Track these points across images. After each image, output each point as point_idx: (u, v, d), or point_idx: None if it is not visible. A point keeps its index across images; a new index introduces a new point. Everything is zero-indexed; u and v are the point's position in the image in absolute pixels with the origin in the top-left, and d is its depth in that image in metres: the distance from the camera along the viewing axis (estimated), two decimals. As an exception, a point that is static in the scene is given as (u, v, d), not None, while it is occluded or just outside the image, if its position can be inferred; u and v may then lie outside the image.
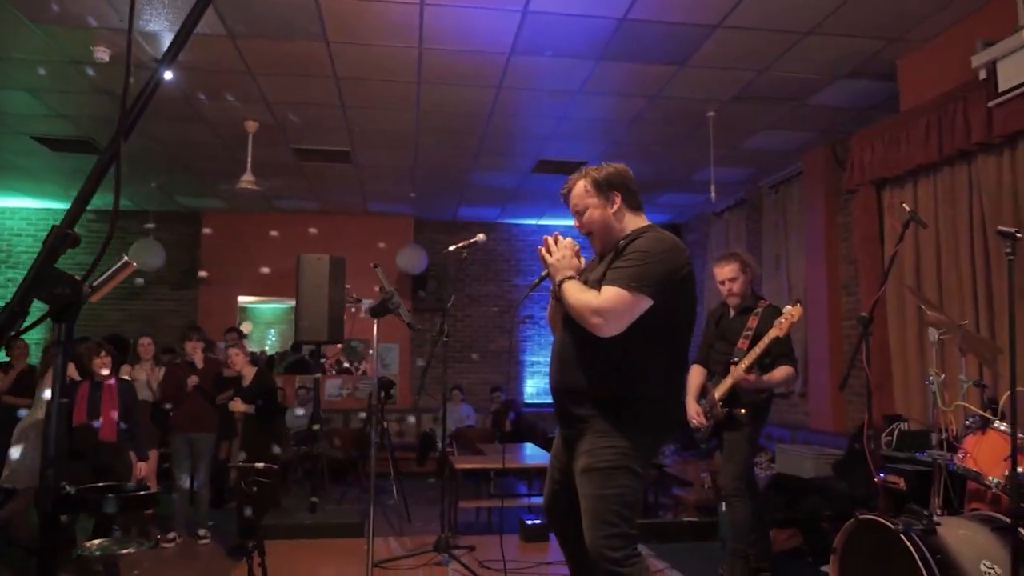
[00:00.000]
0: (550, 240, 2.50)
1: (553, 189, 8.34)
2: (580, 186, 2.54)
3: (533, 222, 10.32)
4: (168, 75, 5.06)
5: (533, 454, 6.29)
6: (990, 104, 3.91)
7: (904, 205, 3.45)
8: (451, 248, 4.07)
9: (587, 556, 2.57)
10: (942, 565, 2.44)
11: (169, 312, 9.54)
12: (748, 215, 8.51)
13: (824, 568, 4.21)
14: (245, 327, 9.45)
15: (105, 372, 4.50)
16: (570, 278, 2.37)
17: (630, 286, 2.20)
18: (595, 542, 2.20)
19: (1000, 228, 2.38)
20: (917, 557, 2.45)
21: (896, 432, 4.15)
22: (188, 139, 6.69)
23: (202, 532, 5.74)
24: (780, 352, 3.75)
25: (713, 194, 6.34)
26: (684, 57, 5.03)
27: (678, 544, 4.58)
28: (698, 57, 5.02)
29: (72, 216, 0.91)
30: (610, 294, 2.21)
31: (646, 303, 2.21)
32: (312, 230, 9.47)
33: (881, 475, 4.02)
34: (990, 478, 2.71)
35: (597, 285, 2.29)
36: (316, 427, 4.49)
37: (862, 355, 3.25)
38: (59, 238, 0.87)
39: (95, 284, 0.92)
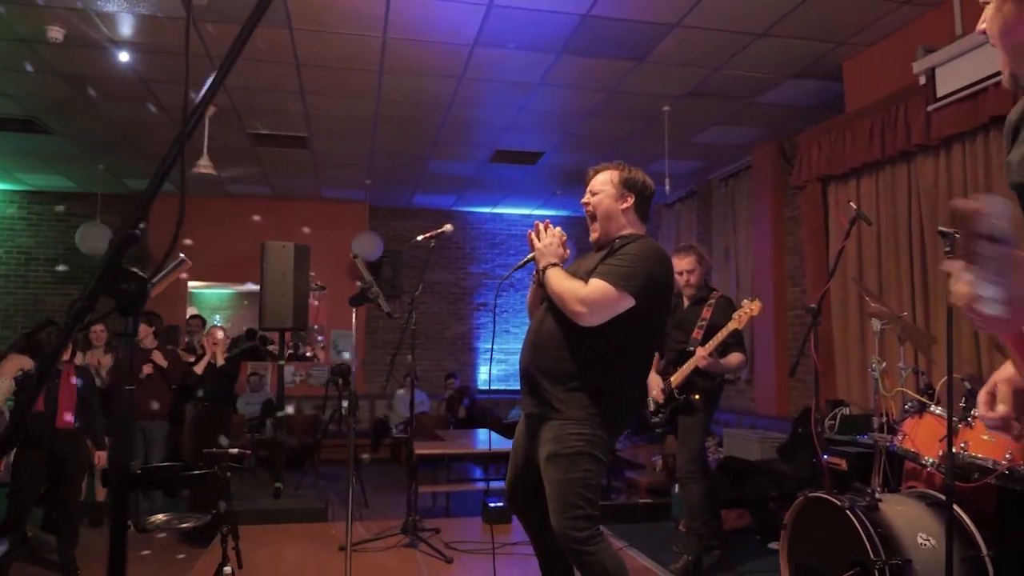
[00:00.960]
0: (540, 226, 2.60)
1: (510, 178, 8.51)
2: (608, 175, 2.68)
3: (488, 210, 10.40)
4: (125, 56, 4.99)
5: (490, 439, 6.41)
6: (929, 108, 4.16)
7: (851, 203, 3.65)
8: (419, 238, 4.13)
9: (550, 536, 2.69)
10: (883, 538, 2.65)
11: (115, 297, 9.31)
12: (699, 207, 8.76)
13: (772, 545, 4.46)
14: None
15: (64, 358, 4.42)
16: (554, 265, 2.48)
17: (617, 284, 2.32)
18: (561, 524, 2.31)
19: (940, 228, 2.58)
20: (861, 531, 2.65)
21: (839, 416, 4.40)
22: (141, 121, 6.55)
23: (154, 520, 5.71)
24: (733, 341, 3.94)
25: (667, 187, 6.53)
26: (643, 54, 5.17)
27: (633, 524, 4.76)
28: (656, 54, 5.16)
29: (135, 217, 0.97)
30: (597, 287, 2.33)
31: (628, 302, 2.33)
32: (256, 217, 9.37)
33: (825, 456, 4.27)
34: (926, 458, 2.94)
35: (586, 276, 2.40)
36: (281, 413, 4.51)
37: (811, 344, 3.45)
38: (126, 237, 0.93)
39: (154, 281, 0.98)
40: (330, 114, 6.38)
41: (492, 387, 10.25)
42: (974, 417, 2.69)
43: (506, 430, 8.28)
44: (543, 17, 4.64)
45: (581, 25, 4.73)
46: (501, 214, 10.50)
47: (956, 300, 0.88)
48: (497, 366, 10.35)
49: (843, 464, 4.08)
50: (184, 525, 2.86)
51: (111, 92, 5.82)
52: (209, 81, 0.98)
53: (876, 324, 3.36)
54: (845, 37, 4.88)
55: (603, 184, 2.65)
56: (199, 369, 5.33)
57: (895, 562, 2.59)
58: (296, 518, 4.07)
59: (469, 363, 10.26)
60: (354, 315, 4.15)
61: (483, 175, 8.41)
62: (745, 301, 3.89)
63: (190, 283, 9.55)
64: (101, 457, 4.83)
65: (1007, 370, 1.31)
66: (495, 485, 6.36)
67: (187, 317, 7.80)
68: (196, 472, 2.72)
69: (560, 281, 2.41)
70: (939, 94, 4.09)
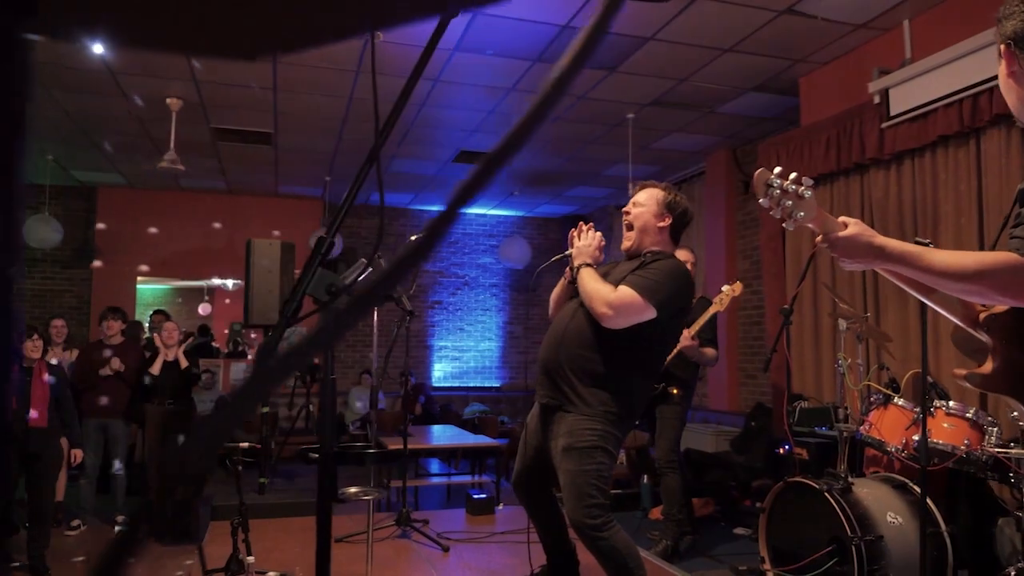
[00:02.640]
0: (583, 226, 2.77)
1: (471, 179, 8.63)
2: (655, 192, 2.86)
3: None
4: (99, 49, 4.92)
5: (455, 434, 6.55)
6: (883, 126, 4.51)
7: (822, 213, 3.95)
8: (413, 238, 4.24)
9: (554, 521, 2.89)
10: (858, 517, 2.93)
11: (59, 292, 9.03)
12: (651, 210, 9.08)
13: (737, 530, 4.75)
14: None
15: (35, 356, 4.35)
16: (588, 265, 2.65)
17: (644, 294, 2.50)
18: (576, 512, 2.49)
19: (917, 239, 2.87)
20: (839, 511, 2.92)
21: (798, 409, 4.72)
22: (99, 113, 6.42)
23: (120, 519, 5.63)
24: (707, 337, 4.21)
25: (631, 190, 6.78)
26: (615, 63, 5.40)
27: (616, 513, 4.96)
28: (628, 64, 5.40)
29: (336, 224, 1.09)
30: (626, 293, 2.50)
31: (651, 313, 2.52)
32: (217, 224, 9.24)
33: (787, 447, 4.59)
34: (891, 445, 3.25)
35: (616, 283, 2.57)
36: (266, 410, 4.54)
37: (783, 342, 3.73)
38: (323, 243, 1.06)
39: (348, 283, 1.10)
40: (300, 111, 6.40)
41: (445, 384, 10.37)
42: (937, 408, 3.00)
43: (466, 426, 8.43)
44: (524, 26, 4.81)
45: (560, 35, 4.92)
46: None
47: None
48: (451, 363, 10.48)
49: (805, 453, 4.39)
50: (369, 497, 2.94)
51: (70, 82, 5.70)
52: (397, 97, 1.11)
53: (843, 324, 3.66)
54: (803, 56, 5.22)
55: (647, 199, 2.83)
56: (155, 370, 5.25)
57: (869, 538, 2.87)
58: (283, 512, 4.12)
59: (424, 360, 10.35)
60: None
61: (444, 175, 8.52)
62: (725, 286, 4.15)
63: (140, 278, 9.33)
64: (77, 455, 4.77)
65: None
66: (463, 479, 6.52)
67: (151, 313, 7.65)
68: (390, 450, 2.84)
69: (592, 281, 2.58)
70: (892, 113, 4.44)
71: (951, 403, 3.04)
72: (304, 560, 3.48)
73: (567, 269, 2.82)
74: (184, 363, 5.15)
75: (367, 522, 4.13)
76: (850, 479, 3.11)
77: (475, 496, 4.40)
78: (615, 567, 2.48)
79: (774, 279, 5.49)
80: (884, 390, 3.33)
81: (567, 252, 2.80)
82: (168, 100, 6.04)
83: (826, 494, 2.98)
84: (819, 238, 1.39)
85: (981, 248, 4.05)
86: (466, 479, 6.32)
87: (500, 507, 4.50)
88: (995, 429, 2.94)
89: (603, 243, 2.79)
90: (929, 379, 3.15)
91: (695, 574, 3.73)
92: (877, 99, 4.57)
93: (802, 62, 5.33)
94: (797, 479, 3.19)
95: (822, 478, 3.17)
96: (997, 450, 2.79)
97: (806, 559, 3.06)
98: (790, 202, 1.40)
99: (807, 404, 4.71)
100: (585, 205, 10.36)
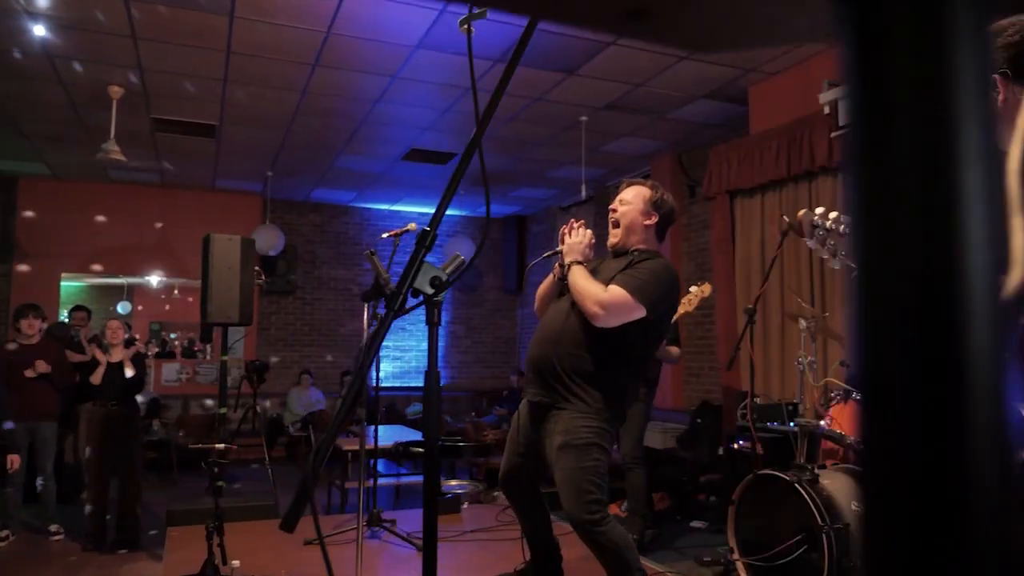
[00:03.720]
0: (574, 223, 2.79)
1: (419, 177, 8.59)
2: (642, 190, 2.87)
3: (387, 207, 10.39)
4: (41, 31, 4.68)
5: (407, 435, 6.50)
6: (833, 135, 4.74)
7: (784, 217, 4.13)
8: (384, 235, 4.19)
9: (542, 521, 2.92)
10: (827, 507, 3.07)
11: (-26, 288, 8.50)
12: (596, 211, 9.23)
13: (694, 523, 4.89)
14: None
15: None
16: (579, 263, 2.68)
17: (635, 294, 2.55)
18: (575, 508, 2.53)
19: None
20: (809, 501, 3.06)
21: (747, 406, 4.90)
22: (30, 99, 6.08)
23: (53, 528, 5.36)
24: (672, 336, 4.32)
25: (583, 192, 6.90)
26: (575, 67, 5.48)
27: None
28: (587, 68, 5.49)
29: (437, 219, 1.09)
30: (617, 293, 2.55)
31: (641, 312, 2.57)
32: (158, 225, 8.87)
33: (741, 442, 4.76)
34: (851, 438, 3.42)
35: (606, 282, 2.62)
36: (223, 411, 4.40)
37: (747, 341, 3.88)
38: (426, 236, 1.06)
39: (449, 278, 1.09)
40: (249, 104, 6.22)
41: (386, 384, 10.25)
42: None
43: (412, 426, 8.36)
44: (491, 26, 4.82)
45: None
46: (399, 211, 10.52)
47: None
48: (392, 363, 10.37)
49: (759, 449, 4.56)
50: (464, 491, 2.85)
51: (5, 67, 5.38)
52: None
53: (803, 323, 3.83)
54: (755, 65, 5.42)
55: (634, 197, 2.85)
56: (96, 379, 4.99)
57: (838, 526, 3.02)
58: (243, 516, 4.00)
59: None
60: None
61: (393, 172, 8.44)
62: (693, 287, 4.27)
63: (64, 274, 8.87)
64: (14, 460, 4.51)
65: None
66: (414, 479, 6.47)
67: (69, 309, 7.27)
68: (473, 443, 2.76)
69: (583, 280, 2.62)
70: (842, 123, 4.67)
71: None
72: (280, 563, 3.40)
73: (556, 266, 2.84)
74: (131, 372, 4.93)
75: (333, 524, 4.07)
76: (816, 471, 3.26)
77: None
78: (613, 561, 2.53)
79: (725, 280, 5.67)
80: (845, 386, 3.50)
81: (557, 249, 2.83)
82: (109, 88, 5.78)
83: (796, 485, 3.11)
84: None
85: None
86: (417, 479, 6.28)
87: (465, 506, 4.50)
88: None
89: (593, 240, 2.82)
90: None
91: (662, 566, 3.82)
92: (827, 110, 4.80)
93: (754, 71, 5.53)
94: (767, 471, 3.31)
95: (788, 470, 3.30)
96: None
97: (774, 549, 3.19)
98: (833, 241, 1.47)
99: (759, 400, 4.90)
100: (528, 206, 10.44)
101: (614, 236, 2.86)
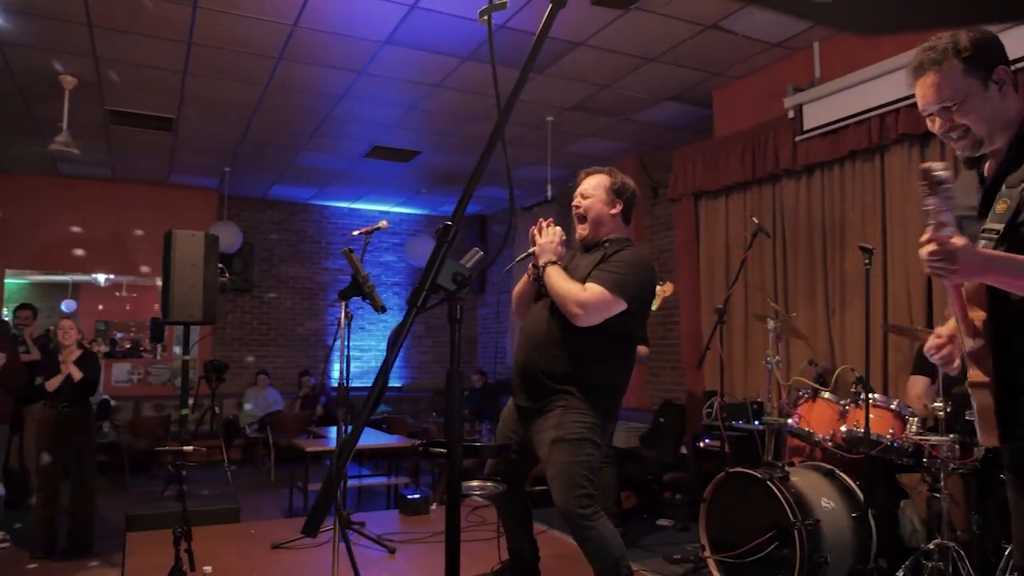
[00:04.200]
0: (543, 223, 2.74)
1: (381, 174, 8.50)
2: (602, 179, 2.83)
3: (347, 205, 10.25)
4: (-7, 17, 4.49)
5: (373, 436, 6.43)
6: (797, 139, 4.83)
7: (753, 218, 4.20)
8: (355, 233, 4.11)
9: (525, 521, 2.91)
10: (798, 503, 3.13)
11: (-89, 285, 8.10)
12: (557, 212, 9.26)
13: (660, 521, 4.94)
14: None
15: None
16: (553, 263, 2.66)
17: (613, 289, 2.54)
18: (567, 502, 2.52)
19: (861, 244, 3.12)
20: (781, 498, 3.11)
21: (715, 405, 4.96)
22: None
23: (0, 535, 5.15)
24: (641, 336, 4.35)
25: (549, 192, 6.91)
26: (543, 67, 5.48)
27: (538, 510, 5.02)
28: (555, 68, 5.49)
29: (459, 214, 1.07)
30: (595, 291, 2.53)
31: (621, 306, 2.57)
32: (98, 201, 8.58)
33: (706, 440, 4.82)
34: (819, 435, 3.49)
35: (582, 279, 2.61)
36: (185, 412, 4.27)
37: (716, 340, 3.93)
38: (448, 232, 1.03)
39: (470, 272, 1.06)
40: (208, 97, 6.07)
41: (347, 384, 10.10)
42: (864, 400, 3.25)
43: (374, 427, 8.26)
44: (460, 23, 4.79)
45: (496, 35, 4.93)
46: (359, 209, 10.39)
47: (923, 253, 1.42)
48: (351, 363, 10.22)
49: (725, 447, 4.62)
50: (489, 492, 2.76)
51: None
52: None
53: (771, 323, 3.90)
54: (720, 70, 5.50)
55: (595, 188, 2.82)
56: (52, 386, 4.80)
57: (809, 523, 3.08)
58: (206, 520, 3.89)
59: (322, 360, 10.06)
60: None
61: (355, 170, 8.32)
62: (656, 287, 4.30)
63: (8, 270, 8.53)
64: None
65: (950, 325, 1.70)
66: (375, 481, 6.39)
67: (13, 308, 6.98)
68: (501, 446, 2.68)
69: (560, 281, 2.60)
70: (805, 127, 4.77)
71: (876, 395, 3.31)
72: (248, 568, 3.31)
73: (530, 267, 2.82)
74: (77, 375, 4.75)
75: (297, 526, 3.99)
76: (786, 468, 3.31)
77: (409, 496, 4.34)
78: (602, 556, 2.54)
79: (689, 281, 5.74)
80: (813, 384, 3.57)
81: (530, 251, 2.80)
82: (62, 77, 5.57)
83: (768, 482, 3.16)
84: (927, 238, 1.41)
85: (884, 253, 4.43)
86: (380, 480, 6.22)
87: (434, 507, 4.46)
88: (915, 419, 3.22)
89: (564, 237, 2.79)
90: (857, 374, 3.42)
91: (633, 564, 3.84)
92: (791, 114, 4.89)
93: (718, 75, 5.61)
94: (738, 469, 3.36)
95: (759, 468, 3.35)
96: (919, 438, 3.07)
97: (745, 546, 3.23)
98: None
99: (725, 399, 4.97)
100: (489, 205, 10.42)
101: (582, 230, 2.83)
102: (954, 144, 1.65)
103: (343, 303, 3.28)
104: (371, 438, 6.29)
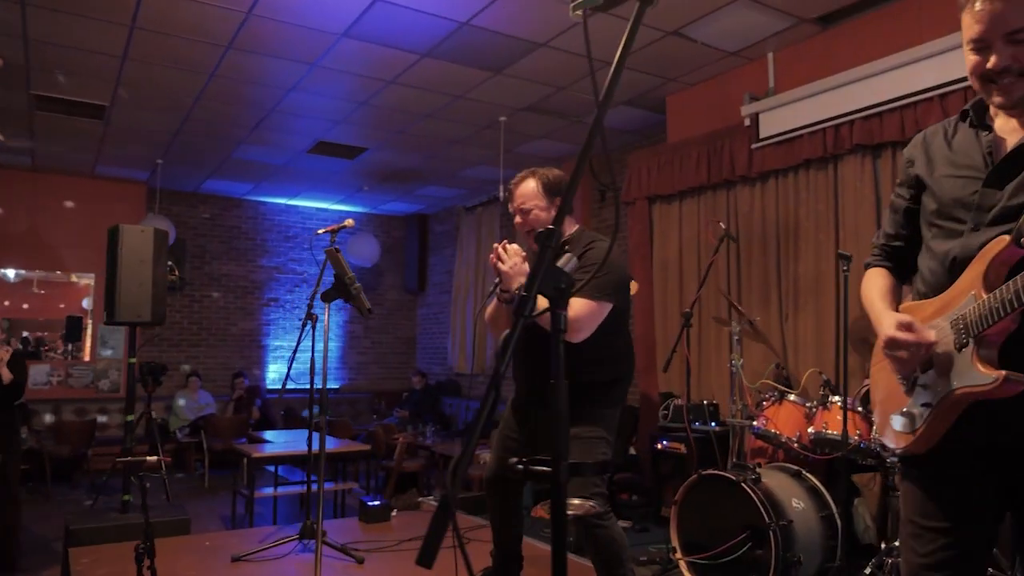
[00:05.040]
0: (499, 249, 2.59)
1: (323, 171, 8.27)
2: (531, 185, 2.72)
3: (284, 201, 9.94)
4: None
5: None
6: (753, 146, 4.94)
7: (720, 223, 4.26)
8: (320, 231, 3.96)
9: (518, 527, 2.87)
10: (772, 503, 3.19)
11: None
12: (502, 212, 9.23)
13: (620, 523, 4.96)
14: None
15: None
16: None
17: (595, 296, 2.49)
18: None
19: (840, 252, 3.20)
20: (756, 499, 3.16)
21: (671, 407, 5.03)
22: None
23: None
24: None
25: (501, 192, 6.86)
26: (502, 66, 5.43)
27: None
28: (514, 68, 5.45)
29: (561, 217, 1.01)
30: (581, 306, 2.47)
31: (608, 308, 2.54)
32: (15, 192, 8.04)
33: (664, 442, 4.87)
34: (785, 437, 3.57)
35: None
36: (131, 418, 4.01)
37: (683, 343, 3.97)
38: (552, 236, 0.97)
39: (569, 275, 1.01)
40: (148, 85, 5.76)
41: (279, 386, 9.79)
42: (833, 403, 3.35)
43: (317, 429, 8.00)
44: (423, 19, 4.69)
45: (457, 32, 4.86)
46: (296, 206, 10.09)
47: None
48: (287, 364, 9.92)
49: (683, 448, 4.69)
50: (585, 510, 2.62)
51: None
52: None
53: (736, 327, 3.97)
54: (676, 76, 5.57)
55: (530, 198, 2.70)
56: None
57: (783, 523, 3.14)
58: (157, 532, 3.65)
59: (257, 361, 9.72)
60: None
61: (296, 165, 8.07)
62: (628, 271, 4.31)
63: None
64: None
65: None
66: (322, 486, 6.19)
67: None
68: (602, 463, 2.54)
69: (541, 303, 2.51)
70: (761, 135, 4.89)
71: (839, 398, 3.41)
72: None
73: (499, 292, 2.65)
74: (8, 377, 4.42)
75: (259, 537, 3.82)
76: (757, 470, 3.37)
77: (369, 504, 4.21)
78: (608, 557, 2.52)
79: (643, 284, 5.80)
80: (780, 387, 3.65)
81: (496, 282, 2.65)
82: (-14, 58, 5.18)
83: (743, 484, 3.21)
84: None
85: (837, 260, 4.57)
86: (328, 486, 6.02)
87: (394, 513, 4.35)
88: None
89: (524, 254, 2.62)
90: (824, 377, 3.51)
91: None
92: (748, 122, 5.00)
93: (673, 81, 5.69)
94: (711, 471, 3.40)
95: (729, 469, 3.40)
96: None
97: (717, 547, 3.27)
98: None
99: (679, 401, 5.04)
100: (432, 204, 10.30)
101: (536, 243, 2.73)
102: (1002, 87, 1.42)
103: (325, 304, 3.13)
104: (315, 443, 6.08)
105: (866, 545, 3.81)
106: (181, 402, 8.49)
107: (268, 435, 7.01)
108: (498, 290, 2.62)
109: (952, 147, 1.59)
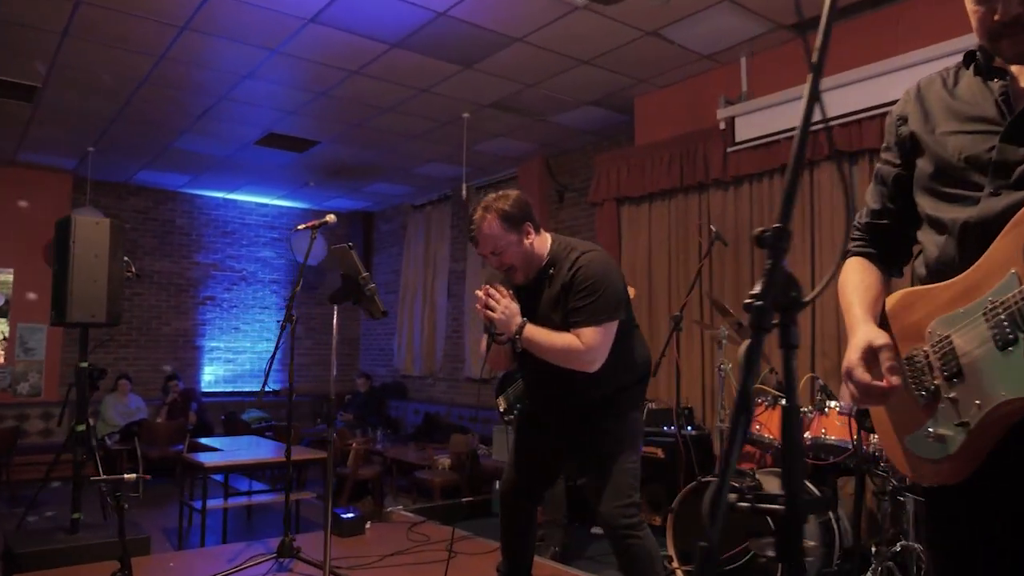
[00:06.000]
0: (484, 297, 2.43)
1: (269, 164, 7.90)
2: (494, 226, 2.45)
3: (222, 195, 9.46)
4: None
5: (267, 447, 5.93)
6: (728, 150, 4.94)
7: (711, 226, 4.22)
8: (300, 227, 3.69)
9: (531, 540, 2.74)
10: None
11: None
12: (453, 211, 9.05)
13: (594, 530, 4.87)
14: None
15: None
16: (525, 324, 2.40)
17: (601, 321, 2.35)
18: (613, 511, 2.41)
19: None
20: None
21: (645, 410, 4.97)
22: None
23: None
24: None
25: (464, 192, 6.69)
26: (473, 60, 5.27)
27: (468, 522, 4.80)
28: (486, 63, 5.30)
29: (786, 214, 0.88)
30: (592, 336, 2.34)
31: (615, 325, 2.41)
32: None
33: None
34: (779, 442, 3.54)
35: (553, 322, 2.41)
36: (81, 428, 3.66)
37: (672, 347, 3.91)
38: (783, 235, 0.85)
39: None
40: (87, 66, 5.33)
41: (216, 389, 9.33)
42: (830, 408, 3.34)
43: (259, 433, 7.64)
44: (401, 7, 4.49)
45: (433, 22, 4.67)
46: (235, 200, 9.63)
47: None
48: (223, 366, 9.48)
49: (660, 452, 4.64)
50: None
51: None
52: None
53: (723, 330, 3.94)
54: (647, 77, 5.53)
55: (499, 237, 2.46)
56: None
57: (788, 531, 3.10)
58: (111, 554, 3.34)
59: (192, 363, 9.22)
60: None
61: (241, 157, 7.67)
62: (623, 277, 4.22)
63: None
64: None
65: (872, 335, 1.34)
66: (266, 498, 5.84)
67: None
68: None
69: (548, 341, 2.38)
70: (738, 139, 4.89)
71: (841, 403, 3.41)
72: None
73: (497, 338, 2.48)
74: None
75: (228, 555, 3.54)
76: (756, 476, 3.33)
77: (344, 517, 3.98)
78: (641, 571, 2.40)
79: (610, 286, 5.73)
80: (774, 391, 3.63)
81: (490, 330, 2.49)
82: (-97, 29, 4.67)
83: (745, 492, 3.15)
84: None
85: (812, 267, 4.62)
86: (271, 497, 5.71)
87: (368, 526, 4.13)
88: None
89: (511, 291, 2.50)
90: (820, 382, 3.51)
91: (589, 577, 3.74)
92: (723, 125, 5.00)
93: (643, 83, 5.65)
94: (711, 479, 3.33)
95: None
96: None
97: (720, 556, 3.21)
98: None
99: (654, 405, 5.00)
100: (379, 202, 10.01)
101: (519, 277, 2.53)
102: (1014, 39, 1.25)
103: (334, 307, 2.91)
104: (261, 450, 5.78)
105: (847, 548, 3.84)
106: (110, 407, 7.95)
107: (212, 442, 6.61)
108: (495, 336, 2.46)
109: (955, 97, 1.36)
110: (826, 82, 4.42)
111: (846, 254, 1.52)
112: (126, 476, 2.49)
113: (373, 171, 8.28)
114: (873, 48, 4.32)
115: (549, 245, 2.56)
